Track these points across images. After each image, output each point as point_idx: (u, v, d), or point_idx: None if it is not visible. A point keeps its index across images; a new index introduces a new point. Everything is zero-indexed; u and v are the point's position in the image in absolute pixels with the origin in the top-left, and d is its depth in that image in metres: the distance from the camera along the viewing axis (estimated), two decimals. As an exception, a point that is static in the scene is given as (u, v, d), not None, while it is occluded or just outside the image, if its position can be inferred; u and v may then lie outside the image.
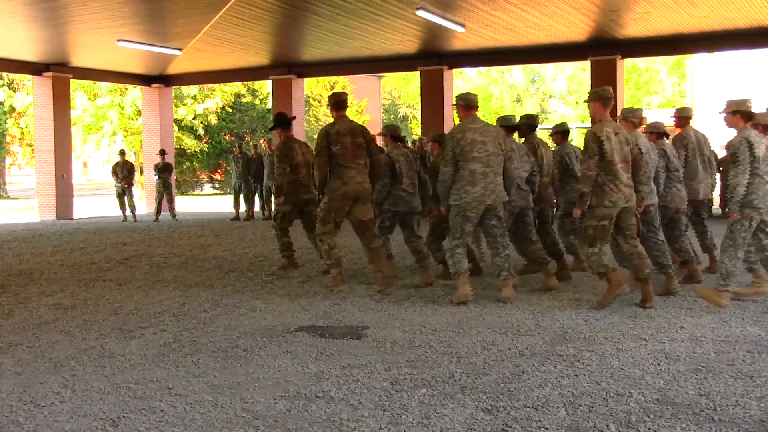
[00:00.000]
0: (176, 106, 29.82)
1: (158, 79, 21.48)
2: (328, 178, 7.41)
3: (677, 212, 7.76)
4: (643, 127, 7.97)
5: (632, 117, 7.38)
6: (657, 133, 7.89)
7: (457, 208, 6.79)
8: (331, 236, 7.49)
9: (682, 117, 8.57)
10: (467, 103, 6.96)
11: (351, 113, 41.37)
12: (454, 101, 7.09)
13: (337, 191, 7.35)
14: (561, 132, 8.69)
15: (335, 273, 7.56)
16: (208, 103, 33.07)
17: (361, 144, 7.39)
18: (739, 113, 6.54)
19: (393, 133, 8.15)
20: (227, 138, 35.57)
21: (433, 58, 18.69)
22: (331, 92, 8.06)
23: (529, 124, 8.28)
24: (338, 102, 7.51)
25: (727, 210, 6.56)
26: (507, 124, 7.90)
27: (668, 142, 8.04)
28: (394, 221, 7.97)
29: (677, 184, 7.70)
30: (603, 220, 6.49)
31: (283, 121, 8.75)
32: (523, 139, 8.25)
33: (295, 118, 8.10)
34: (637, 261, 6.62)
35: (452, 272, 6.91)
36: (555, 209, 8.68)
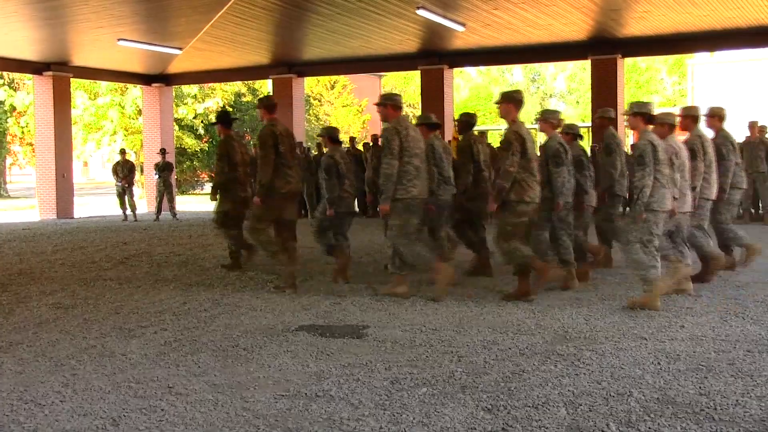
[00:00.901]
0: (177, 106, 29.82)
1: (159, 79, 21.47)
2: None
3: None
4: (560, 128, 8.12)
5: (551, 118, 7.69)
6: (572, 134, 8.14)
7: (404, 203, 6.91)
8: (265, 232, 7.73)
9: (689, 116, 8.39)
10: (396, 104, 7.18)
11: (352, 113, 41.44)
12: (381, 101, 7.22)
13: (280, 190, 7.59)
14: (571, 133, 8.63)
15: (288, 273, 7.59)
16: (208, 102, 33.06)
17: (294, 146, 7.86)
18: (640, 115, 6.72)
19: (331, 134, 8.44)
20: (227, 137, 35.49)
21: (434, 58, 18.68)
22: (261, 96, 8.50)
23: (466, 121, 8.61)
24: (270, 105, 7.87)
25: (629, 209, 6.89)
26: (427, 122, 8.20)
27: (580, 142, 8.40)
28: (334, 222, 8.14)
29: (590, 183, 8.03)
30: (523, 216, 6.77)
31: (225, 119, 8.95)
32: (461, 136, 8.66)
33: (236, 119, 8.30)
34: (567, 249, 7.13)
35: (396, 270, 7.11)
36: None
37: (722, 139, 8.31)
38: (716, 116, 8.48)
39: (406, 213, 6.91)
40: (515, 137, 6.68)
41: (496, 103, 7.15)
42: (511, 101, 6.89)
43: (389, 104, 7.13)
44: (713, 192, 7.82)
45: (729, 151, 8.26)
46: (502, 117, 7.08)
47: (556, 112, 7.87)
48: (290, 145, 7.75)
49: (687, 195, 7.13)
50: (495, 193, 6.79)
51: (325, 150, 8.40)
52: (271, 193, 7.58)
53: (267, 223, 7.73)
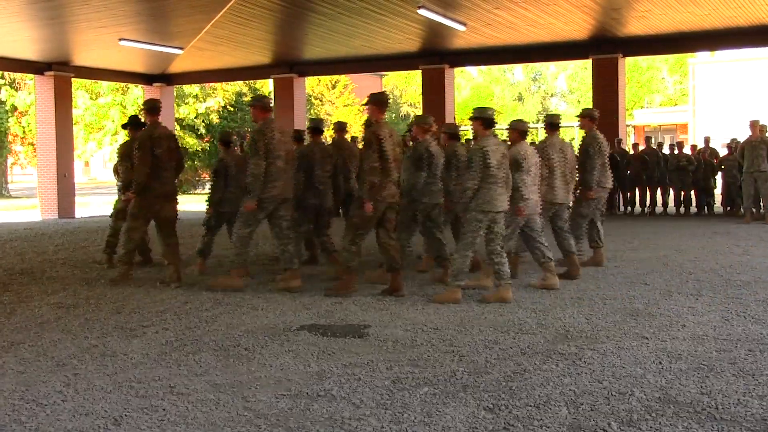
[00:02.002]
0: (178, 105, 29.84)
1: (160, 78, 21.48)
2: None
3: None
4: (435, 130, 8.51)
5: (423, 124, 8.03)
6: (451, 134, 8.54)
7: (261, 200, 7.37)
8: (139, 231, 8.15)
9: (587, 117, 8.95)
10: (264, 105, 7.66)
11: (353, 112, 41.45)
12: (252, 102, 7.79)
13: (155, 191, 7.95)
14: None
15: (124, 269, 8.12)
16: (209, 102, 33.08)
17: (173, 148, 8.11)
18: (480, 120, 7.01)
19: (222, 139, 9.05)
20: (229, 137, 35.53)
21: (435, 57, 18.68)
22: (146, 99, 8.91)
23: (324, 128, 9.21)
24: (153, 108, 8.16)
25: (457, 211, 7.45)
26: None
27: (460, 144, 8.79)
28: (219, 221, 8.84)
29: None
30: (372, 213, 7.05)
31: (136, 123, 9.15)
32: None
33: (145, 124, 8.41)
34: (393, 253, 7.16)
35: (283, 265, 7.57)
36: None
37: (591, 139, 8.72)
38: (587, 117, 8.91)
39: (259, 209, 7.41)
40: (375, 138, 6.99)
41: (364, 104, 7.56)
42: (375, 103, 7.24)
43: (258, 105, 7.63)
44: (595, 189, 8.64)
45: (595, 152, 8.63)
46: (369, 117, 7.53)
47: (428, 118, 8.16)
48: (168, 148, 8.01)
49: (535, 197, 7.55)
50: (366, 189, 7.00)
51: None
52: (146, 193, 7.95)
53: (142, 222, 8.12)
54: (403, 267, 7.43)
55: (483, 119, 6.94)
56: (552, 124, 8.41)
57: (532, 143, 9.17)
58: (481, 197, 6.78)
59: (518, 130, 7.67)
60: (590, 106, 12.80)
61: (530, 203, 7.48)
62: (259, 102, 7.66)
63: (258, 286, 7.89)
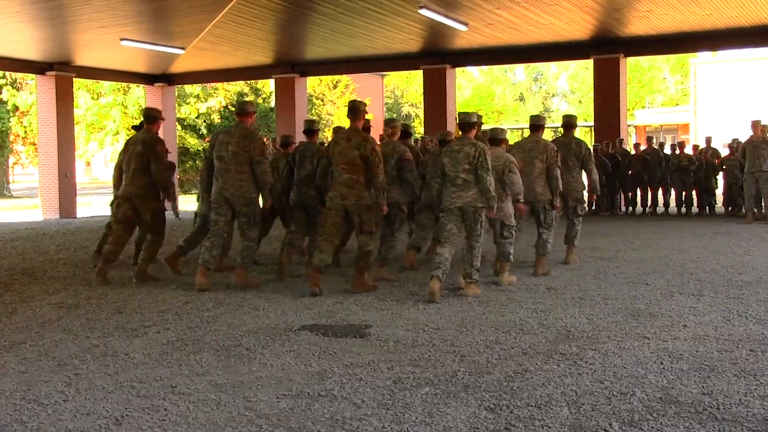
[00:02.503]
0: (179, 105, 29.85)
1: (161, 78, 21.49)
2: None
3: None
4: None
5: (390, 126, 8.64)
6: (441, 141, 8.83)
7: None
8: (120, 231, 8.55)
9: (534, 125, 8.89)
10: (243, 110, 8.05)
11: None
12: (247, 109, 8.21)
13: (119, 191, 8.58)
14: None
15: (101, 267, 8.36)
16: (210, 102, 33.08)
17: (141, 152, 8.28)
18: (399, 128, 7.85)
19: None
20: (230, 137, 35.53)
21: (436, 57, 18.68)
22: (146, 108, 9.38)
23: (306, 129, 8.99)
24: (149, 116, 8.59)
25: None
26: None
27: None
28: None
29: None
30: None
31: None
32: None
33: (141, 126, 8.70)
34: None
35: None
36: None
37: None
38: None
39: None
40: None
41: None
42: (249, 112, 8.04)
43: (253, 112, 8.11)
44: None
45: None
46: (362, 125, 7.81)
47: (394, 121, 8.79)
48: (134, 152, 8.35)
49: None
50: (266, 193, 7.87)
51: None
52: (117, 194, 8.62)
53: (119, 222, 8.58)
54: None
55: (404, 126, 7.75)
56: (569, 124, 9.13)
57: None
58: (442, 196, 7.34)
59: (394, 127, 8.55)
60: (591, 107, 12.90)
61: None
62: (241, 108, 8.08)
63: (257, 286, 7.88)
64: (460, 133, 7.40)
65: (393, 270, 8.35)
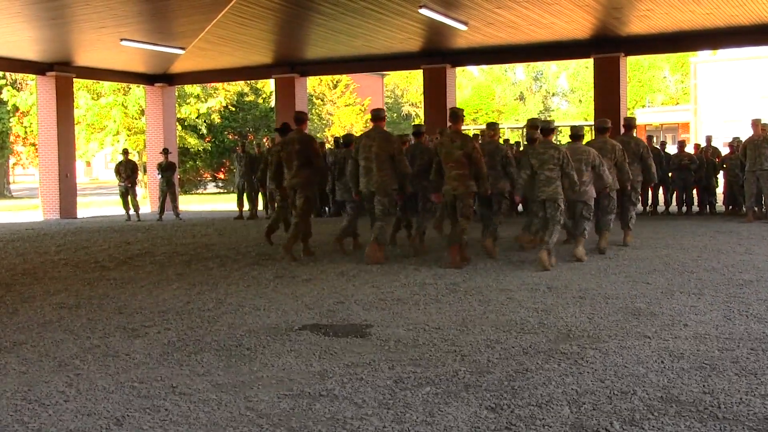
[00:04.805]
0: (179, 105, 29.86)
1: (161, 78, 21.50)
2: None
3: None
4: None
5: (492, 129, 10.07)
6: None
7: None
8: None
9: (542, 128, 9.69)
10: (379, 116, 9.53)
11: (354, 112, 41.46)
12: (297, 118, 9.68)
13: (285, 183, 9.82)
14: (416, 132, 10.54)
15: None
16: (211, 102, 33.09)
17: (299, 150, 9.52)
18: (498, 130, 9.52)
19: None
20: (230, 137, 35.60)
21: (436, 56, 18.68)
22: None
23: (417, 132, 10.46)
24: (299, 119, 9.79)
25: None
26: (543, 127, 9.36)
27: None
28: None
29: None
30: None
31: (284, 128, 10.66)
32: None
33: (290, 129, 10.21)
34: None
35: None
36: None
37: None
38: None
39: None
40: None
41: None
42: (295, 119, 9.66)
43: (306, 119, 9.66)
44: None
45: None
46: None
47: (420, 125, 10.48)
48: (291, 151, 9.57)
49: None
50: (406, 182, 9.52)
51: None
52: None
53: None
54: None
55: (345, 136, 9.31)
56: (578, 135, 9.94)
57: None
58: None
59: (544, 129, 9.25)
60: (592, 106, 13.09)
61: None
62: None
63: (259, 286, 7.89)
64: (542, 137, 8.92)
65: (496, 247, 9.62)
